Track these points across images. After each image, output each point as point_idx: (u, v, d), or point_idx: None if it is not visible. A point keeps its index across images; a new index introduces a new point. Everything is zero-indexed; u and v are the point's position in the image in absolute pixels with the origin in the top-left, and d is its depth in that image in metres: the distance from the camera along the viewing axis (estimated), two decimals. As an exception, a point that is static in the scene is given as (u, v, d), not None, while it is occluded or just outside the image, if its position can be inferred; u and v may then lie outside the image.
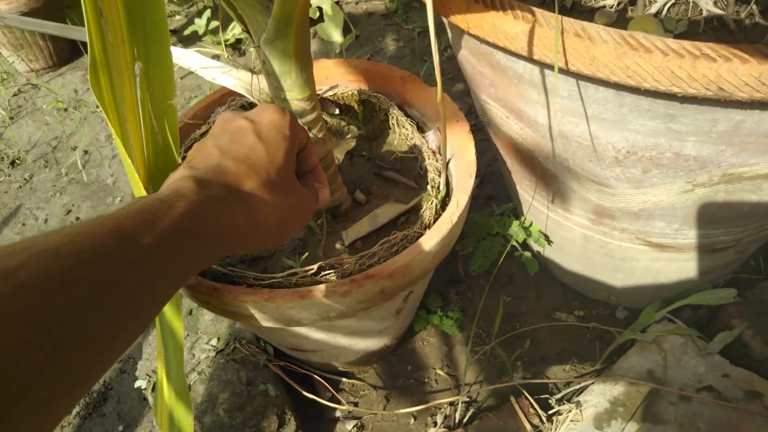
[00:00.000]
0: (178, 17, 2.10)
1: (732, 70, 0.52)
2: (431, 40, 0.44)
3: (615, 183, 0.75)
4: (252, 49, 1.72)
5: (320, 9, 0.69)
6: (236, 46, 1.85)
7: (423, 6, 1.82)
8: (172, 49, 0.71)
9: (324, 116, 0.91)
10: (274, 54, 0.64)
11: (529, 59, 0.63)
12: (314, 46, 1.82)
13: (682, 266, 0.89)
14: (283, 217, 0.47)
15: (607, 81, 0.58)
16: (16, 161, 1.64)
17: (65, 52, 2.00)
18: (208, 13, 1.81)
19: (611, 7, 0.67)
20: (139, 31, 0.56)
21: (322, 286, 0.67)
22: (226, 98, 0.95)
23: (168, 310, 0.57)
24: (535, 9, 0.60)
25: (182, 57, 0.73)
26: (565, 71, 0.61)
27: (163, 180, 0.53)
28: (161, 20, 0.56)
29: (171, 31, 1.99)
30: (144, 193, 0.52)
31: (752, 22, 0.63)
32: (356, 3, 1.92)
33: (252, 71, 0.71)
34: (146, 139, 0.58)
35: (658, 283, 0.94)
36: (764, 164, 0.65)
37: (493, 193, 1.22)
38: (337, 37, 1.78)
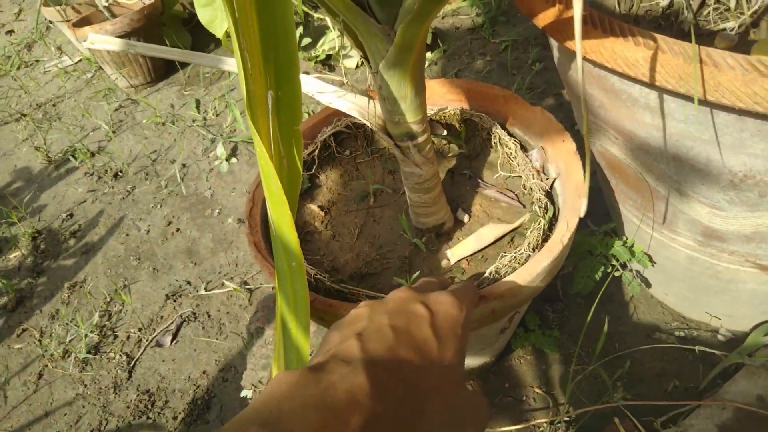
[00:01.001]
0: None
1: None
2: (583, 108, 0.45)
3: (728, 206, 0.74)
4: (342, 65, 1.76)
5: (435, 34, 0.71)
6: (326, 62, 1.89)
7: (509, 20, 1.83)
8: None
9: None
10: (391, 79, 0.66)
11: (650, 85, 0.63)
12: (402, 61, 1.85)
13: (794, 290, 0.87)
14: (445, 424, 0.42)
15: (732, 107, 0.57)
16: (119, 173, 1.73)
17: (161, 69, 2.09)
18: (300, 30, 1.86)
19: (732, 30, 0.66)
20: (272, 62, 0.58)
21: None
22: (331, 118, 0.98)
23: (295, 329, 0.59)
24: (656, 35, 0.60)
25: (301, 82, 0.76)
26: (685, 96, 0.61)
27: (290, 200, 0.56)
28: (293, 51, 0.59)
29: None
30: (287, 213, 0.53)
31: None
32: (442, 18, 1.93)
33: (368, 96, 0.74)
34: (275, 163, 0.61)
35: (766, 307, 0.92)
36: None
37: (589, 210, 1.21)
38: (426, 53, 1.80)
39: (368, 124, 0.75)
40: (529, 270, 0.70)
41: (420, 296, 0.49)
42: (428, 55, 1.79)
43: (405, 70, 0.65)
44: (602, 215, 1.10)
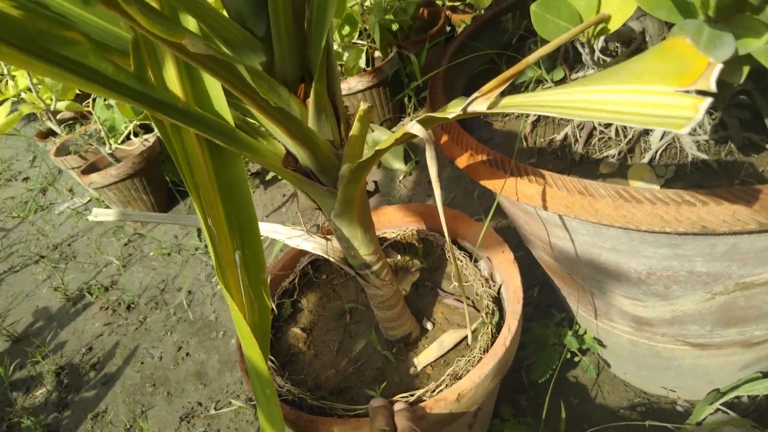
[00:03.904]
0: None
1: (710, 211, 0.63)
2: (437, 199, 0.58)
3: (644, 297, 0.86)
4: (299, 215, 1.92)
5: (375, 183, 0.86)
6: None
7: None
8: (263, 224, 0.89)
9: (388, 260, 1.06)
10: (342, 224, 0.80)
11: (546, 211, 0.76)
12: (379, 175, 2.02)
13: (727, 360, 0.97)
14: None
15: (612, 225, 0.70)
16: (131, 305, 1.87)
17: (164, 203, 2.27)
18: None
19: (613, 157, 0.80)
20: (236, 228, 0.72)
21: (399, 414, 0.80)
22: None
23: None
24: (545, 173, 0.73)
25: (271, 231, 0.90)
26: (577, 219, 0.74)
27: (261, 338, 0.69)
28: (252, 217, 0.73)
29: (254, 173, 2.23)
30: (258, 352, 0.66)
31: (732, 159, 0.75)
32: (414, 130, 2.11)
33: (326, 238, 0.88)
34: (247, 309, 0.74)
35: (709, 377, 1.02)
36: (769, 272, 0.75)
37: (553, 301, 1.33)
38: (399, 165, 1.96)
39: (331, 259, 0.88)
40: (478, 372, 0.82)
41: None
42: (403, 167, 1.96)
43: (352, 217, 0.79)
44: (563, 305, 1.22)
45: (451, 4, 2.48)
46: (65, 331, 1.88)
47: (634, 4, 0.53)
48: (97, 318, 1.88)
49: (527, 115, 0.93)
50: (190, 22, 0.67)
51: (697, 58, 0.34)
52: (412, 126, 0.52)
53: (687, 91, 0.33)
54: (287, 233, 0.90)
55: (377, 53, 2.15)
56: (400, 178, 1.97)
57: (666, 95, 0.34)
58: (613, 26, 0.57)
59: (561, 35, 0.53)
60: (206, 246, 1.98)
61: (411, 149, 2.02)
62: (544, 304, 1.34)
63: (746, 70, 0.48)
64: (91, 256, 2.18)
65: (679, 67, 0.34)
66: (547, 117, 0.91)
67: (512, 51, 1.06)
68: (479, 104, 0.47)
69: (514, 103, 0.45)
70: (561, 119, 0.90)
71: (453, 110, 0.47)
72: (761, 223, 0.62)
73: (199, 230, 2.07)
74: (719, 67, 0.32)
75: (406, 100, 2.21)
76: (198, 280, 1.87)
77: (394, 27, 2.14)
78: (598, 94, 0.38)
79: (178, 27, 0.42)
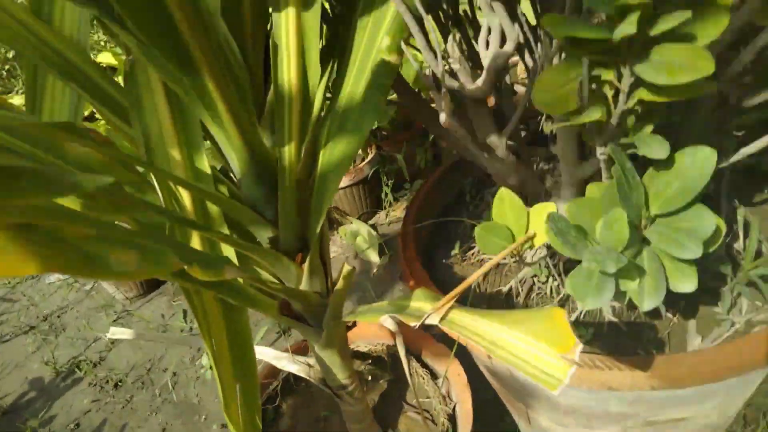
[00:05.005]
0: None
1: (614, 376, 0.80)
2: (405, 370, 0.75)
3: (573, 425, 1.03)
4: (288, 348, 2.09)
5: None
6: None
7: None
8: (255, 348, 1.05)
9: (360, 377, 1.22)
10: (324, 354, 0.96)
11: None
12: (356, 265, 2.20)
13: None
14: None
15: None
16: (119, 383, 1.99)
17: (153, 281, 2.41)
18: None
19: (547, 313, 0.98)
20: (239, 367, 0.88)
21: None
22: (290, 361, 1.28)
23: None
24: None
25: (260, 353, 1.07)
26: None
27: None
28: (252, 359, 0.89)
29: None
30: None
31: (640, 322, 0.93)
32: (389, 224, 2.32)
33: (309, 364, 1.04)
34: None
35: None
36: (669, 414, 0.93)
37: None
38: (374, 258, 2.15)
39: (312, 380, 1.05)
40: (430, 486, 0.98)
41: None
42: (377, 261, 2.14)
43: (333, 349, 0.96)
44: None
45: (428, 105, 2.69)
46: (55, 404, 1.99)
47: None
48: (86, 394, 2.00)
49: (480, 265, 1.11)
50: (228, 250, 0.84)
51: (569, 336, 0.52)
52: (385, 320, 0.70)
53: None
54: (275, 355, 1.07)
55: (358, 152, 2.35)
56: (374, 270, 2.14)
57: (549, 354, 0.52)
58: (539, 242, 0.76)
59: (500, 251, 0.72)
60: (191, 328, 2.13)
61: (386, 245, 2.21)
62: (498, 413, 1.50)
63: (628, 296, 0.67)
64: (80, 330, 2.30)
65: (558, 336, 0.53)
66: (497, 268, 1.10)
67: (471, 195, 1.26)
68: (433, 318, 0.65)
69: (457, 324, 0.63)
70: (507, 271, 1.08)
71: (414, 322, 0.65)
72: (653, 386, 0.80)
73: (185, 312, 2.21)
74: (580, 347, 0.50)
75: (382, 195, 2.40)
76: (182, 362, 2.00)
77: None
78: (515, 339, 0.56)
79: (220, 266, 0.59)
